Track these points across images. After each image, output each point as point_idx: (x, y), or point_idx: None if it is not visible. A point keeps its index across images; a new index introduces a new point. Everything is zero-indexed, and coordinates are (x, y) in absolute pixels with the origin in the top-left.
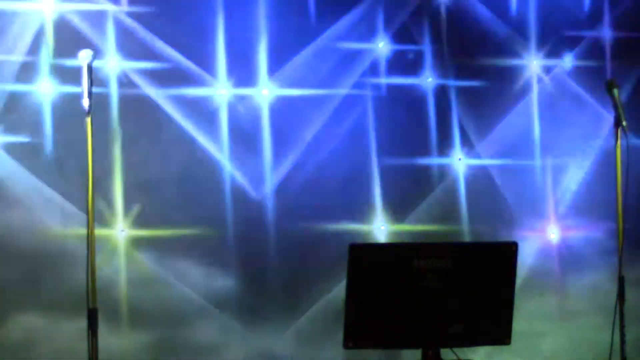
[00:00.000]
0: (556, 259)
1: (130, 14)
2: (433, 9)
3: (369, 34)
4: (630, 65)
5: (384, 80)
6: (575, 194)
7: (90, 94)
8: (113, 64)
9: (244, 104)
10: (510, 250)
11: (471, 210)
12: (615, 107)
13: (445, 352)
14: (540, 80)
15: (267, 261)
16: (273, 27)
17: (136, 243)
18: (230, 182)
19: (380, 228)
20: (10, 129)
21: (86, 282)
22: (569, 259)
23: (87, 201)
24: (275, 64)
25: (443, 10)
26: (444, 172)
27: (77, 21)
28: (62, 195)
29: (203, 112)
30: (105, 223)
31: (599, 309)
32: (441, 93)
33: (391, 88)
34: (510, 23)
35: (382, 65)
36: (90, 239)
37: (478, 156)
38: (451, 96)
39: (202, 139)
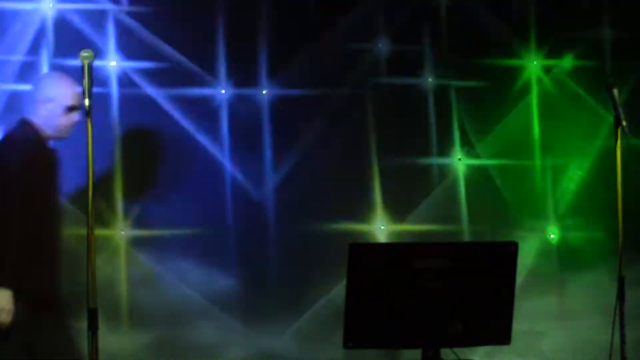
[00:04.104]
0: (556, 259)
1: (130, 14)
2: (433, 9)
3: (369, 34)
4: (630, 65)
5: (384, 80)
6: (575, 194)
7: (90, 94)
8: (113, 64)
9: (244, 104)
10: (510, 250)
11: (471, 210)
12: (615, 107)
13: (445, 352)
14: (540, 80)
15: (267, 261)
16: (273, 27)
17: (136, 243)
18: (230, 182)
19: (380, 228)
20: None
21: (86, 282)
22: (569, 259)
23: (87, 201)
24: (275, 64)
25: (443, 10)
26: (444, 172)
27: (77, 21)
28: (62, 195)
29: (203, 112)
30: (105, 223)
31: (599, 309)
32: (441, 93)
33: (391, 88)
34: (510, 23)
35: (382, 65)
36: (90, 239)
37: (478, 156)
38: (451, 96)
39: (202, 139)
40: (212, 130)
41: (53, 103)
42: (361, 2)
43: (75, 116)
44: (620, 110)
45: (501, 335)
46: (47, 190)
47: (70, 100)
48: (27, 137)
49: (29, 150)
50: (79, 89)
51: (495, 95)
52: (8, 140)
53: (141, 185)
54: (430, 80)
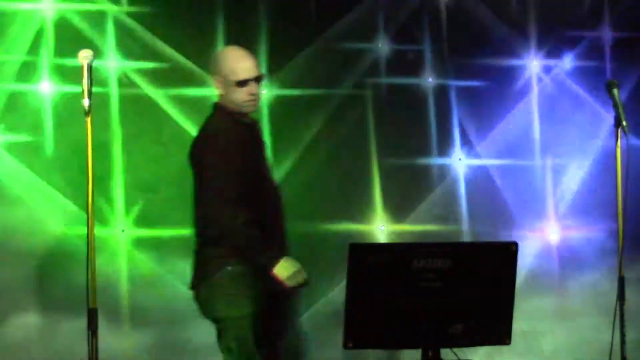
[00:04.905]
0: (556, 259)
1: (130, 14)
2: (433, 9)
3: (369, 34)
4: (630, 65)
5: (384, 80)
6: (575, 194)
7: (90, 93)
8: (113, 64)
9: None
10: (510, 250)
11: (471, 210)
12: (615, 107)
13: (445, 352)
14: (540, 80)
15: None
16: (273, 27)
17: (136, 243)
18: None
19: (380, 228)
20: (11, 129)
21: (86, 282)
22: (569, 259)
23: (87, 201)
24: (275, 64)
25: (443, 10)
26: (444, 172)
27: (77, 21)
28: (62, 195)
29: (203, 112)
30: (106, 223)
31: (599, 309)
32: (441, 93)
33: (391, 88)
34: (510, 23)
35: (382, 65)
36: (90, 239)
37: (478, 156)
38: (451, 96)
39: None
40: None
41: (226, 80)
42: (361, 2)
43: (252, 89)
44: (621, 110)
45: (501, 335)
46: (263, 167)
47: (239, 75)
48: (223, 120)
49: (232, 133)
50: (250, 61)
51: (495, 95)
52: (211, 130)
53: (141, 185)
54: (430, 80)
